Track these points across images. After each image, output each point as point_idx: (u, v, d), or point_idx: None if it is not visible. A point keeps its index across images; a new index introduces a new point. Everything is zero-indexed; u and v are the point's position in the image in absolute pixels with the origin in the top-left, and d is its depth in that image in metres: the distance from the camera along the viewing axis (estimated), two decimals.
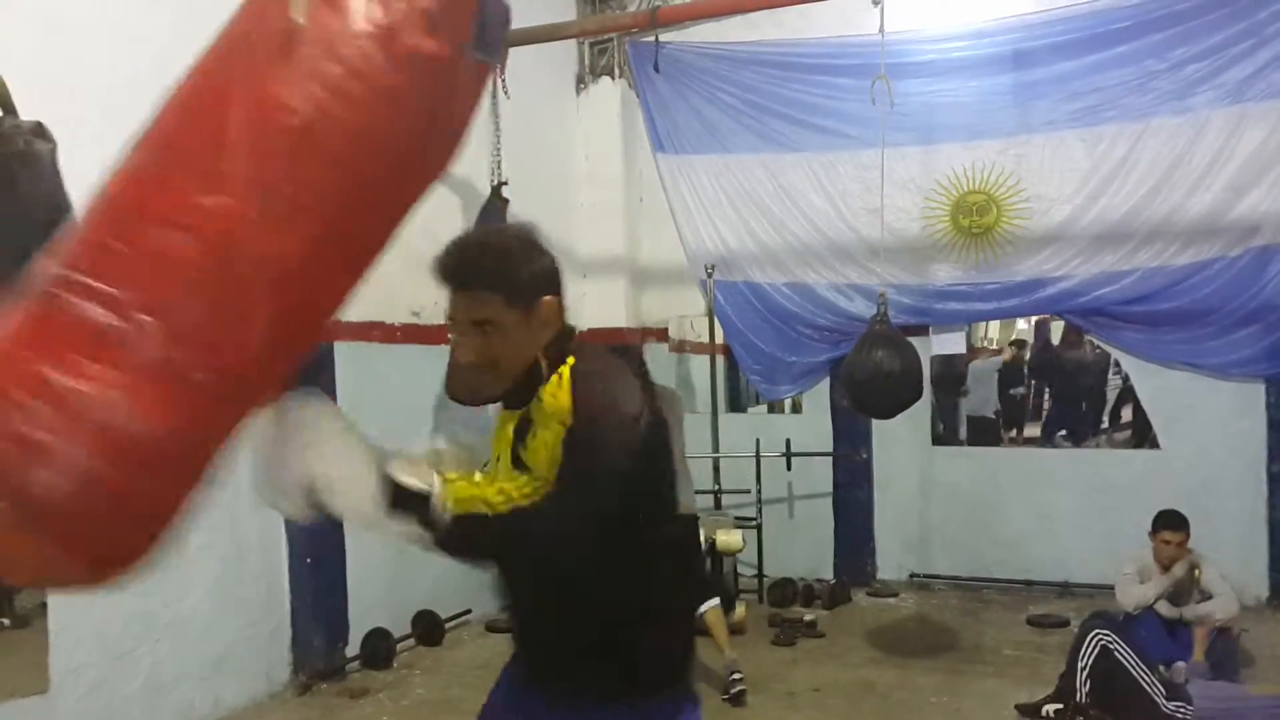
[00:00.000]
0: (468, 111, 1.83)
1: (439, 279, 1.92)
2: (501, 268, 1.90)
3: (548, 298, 1.95)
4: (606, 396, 1.86)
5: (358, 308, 6.21)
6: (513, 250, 1.94)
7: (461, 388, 5.60)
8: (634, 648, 1.93)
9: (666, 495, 2.07)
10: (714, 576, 5.98)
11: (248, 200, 1.53)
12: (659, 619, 1.97)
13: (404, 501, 1.74)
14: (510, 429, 1.97)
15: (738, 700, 5.10)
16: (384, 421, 6.07)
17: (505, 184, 5.54)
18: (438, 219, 6.11)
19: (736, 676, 5.15)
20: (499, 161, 5.48)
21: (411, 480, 1.75)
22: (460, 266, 1.91)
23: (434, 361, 5.74)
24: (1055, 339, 8.12)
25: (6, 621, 4.48)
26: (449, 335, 2.00)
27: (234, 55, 1.67)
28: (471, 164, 5.73)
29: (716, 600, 5.37)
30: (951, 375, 7.83)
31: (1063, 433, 7.79)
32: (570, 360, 1.94)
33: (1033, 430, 7.99)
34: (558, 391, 1.88)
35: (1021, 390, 8.14)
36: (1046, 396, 8.14)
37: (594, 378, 1.89)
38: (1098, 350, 7.46)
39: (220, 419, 1.64)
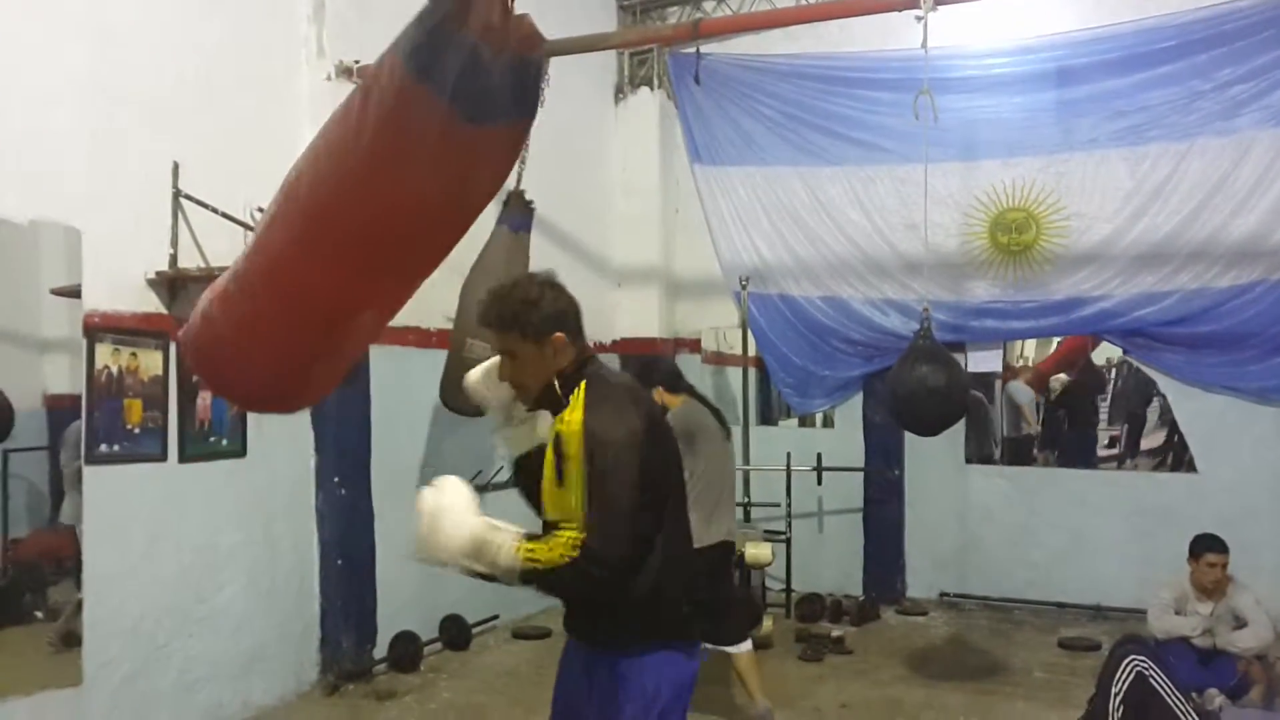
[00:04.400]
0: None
1: (479, 323, 2.62)
2: (521, 313, 2.51)
3: (558, 334, 2.52)
4: (608, 432, 2.40)
5: None
6: (531, 298, 2.53)
7: (453, 397, 5.60)
8: (637, 613, 2.51)
9: (670, 509, 2.54)
10: (742, 591, 5.84)
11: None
12: (657, 595, 2.50)
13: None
14: (544, 433, 2.60)
15: None
16: (417, 421, 6.15)
17: (524, 191, 5.57)
18: (475, 227, 6.14)
19: None
20: (523, 169, 5.51)
21: (493, 560, 2.40)
22: (490, 312, 2.55)
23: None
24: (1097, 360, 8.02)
25: (40, 614, 4.53)
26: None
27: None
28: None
29: (749, 645, 5.01)
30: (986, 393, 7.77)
31: (1099, 455, 7.69)
32: (583, 385, 2.51)
33: (1068, 452, 7.88)
34: (571, 416, 2.45)
35: (1061, 412, 8.03)
36: (1081, 418, 8.01)
37: (599, 410, 2.43)
38: (1137, 373, 7.37)
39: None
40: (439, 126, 2.58)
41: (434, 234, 2.96)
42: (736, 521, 5.42)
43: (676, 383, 4.97)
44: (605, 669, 2.58)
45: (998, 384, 7.83)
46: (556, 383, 2.54)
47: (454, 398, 5.60)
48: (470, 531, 2.39)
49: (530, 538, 2.40)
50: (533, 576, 2.35)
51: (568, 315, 2.57)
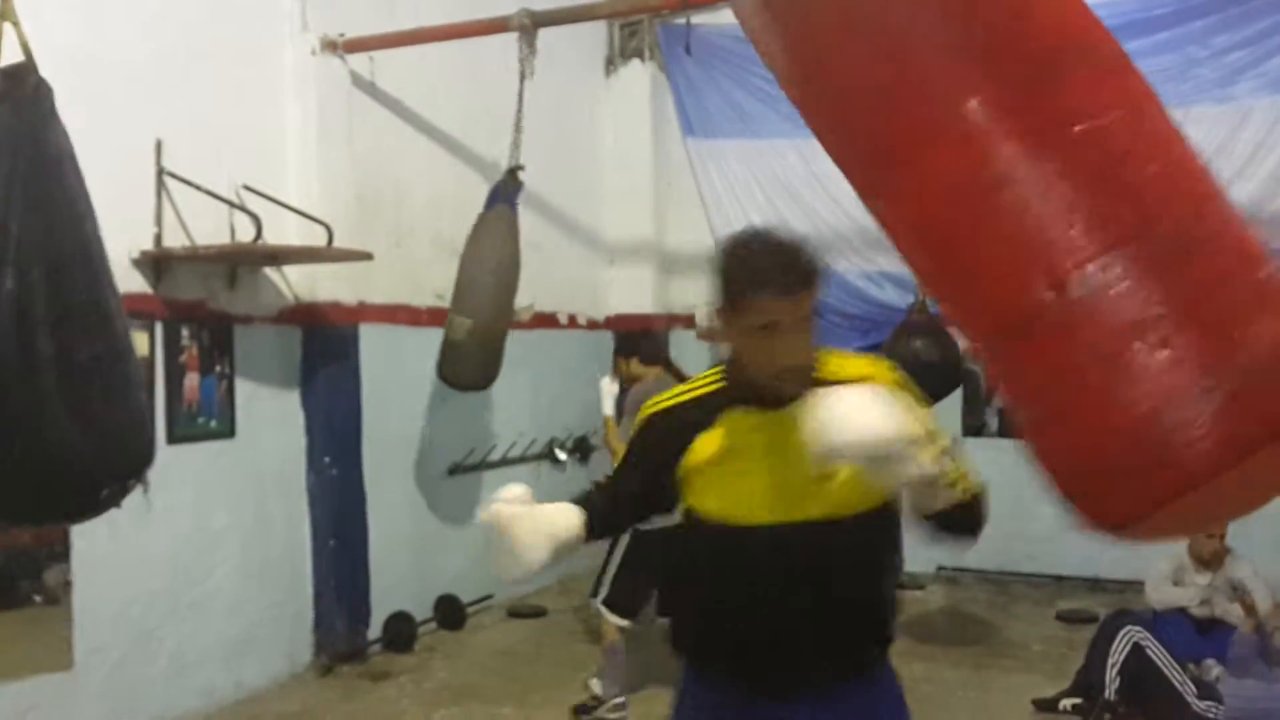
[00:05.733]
0: None
1: (774, 288, 1.86)
2: (816, 265, 1.92)
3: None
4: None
5: (384, 290, 6.20)
6: (798, 244, 1.93)
7: (454, 371, 5.56)
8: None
9: None
10: None
11: None
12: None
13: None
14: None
15: None
16: (408, 399, 6.10)
17: (522, 168, 5.50)
18: (465, 204, 6.10)
19: None
20: (519, 142, 5.44)
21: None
22: (796, 270, 1.89)
23: None
24: None
25: (39, 598, 4.49)
26: (754, 338, 1.91)
27: None
28: (499, 146, 5.67)
29: None
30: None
31: None
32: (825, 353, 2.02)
33: None
34: (871, 368, 2.01)
35: None
36: None
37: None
38: None
39: None
40: None
41: None
42: None
43: (655, 356, 4.90)
44: (857, 702, 2.02)
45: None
46: None
47: (452, 372, 5.58)
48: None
49: None
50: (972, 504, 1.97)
51: None
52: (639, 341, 4.93)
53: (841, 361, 2.02)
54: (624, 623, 4.76)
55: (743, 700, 2.00)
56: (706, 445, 1.99)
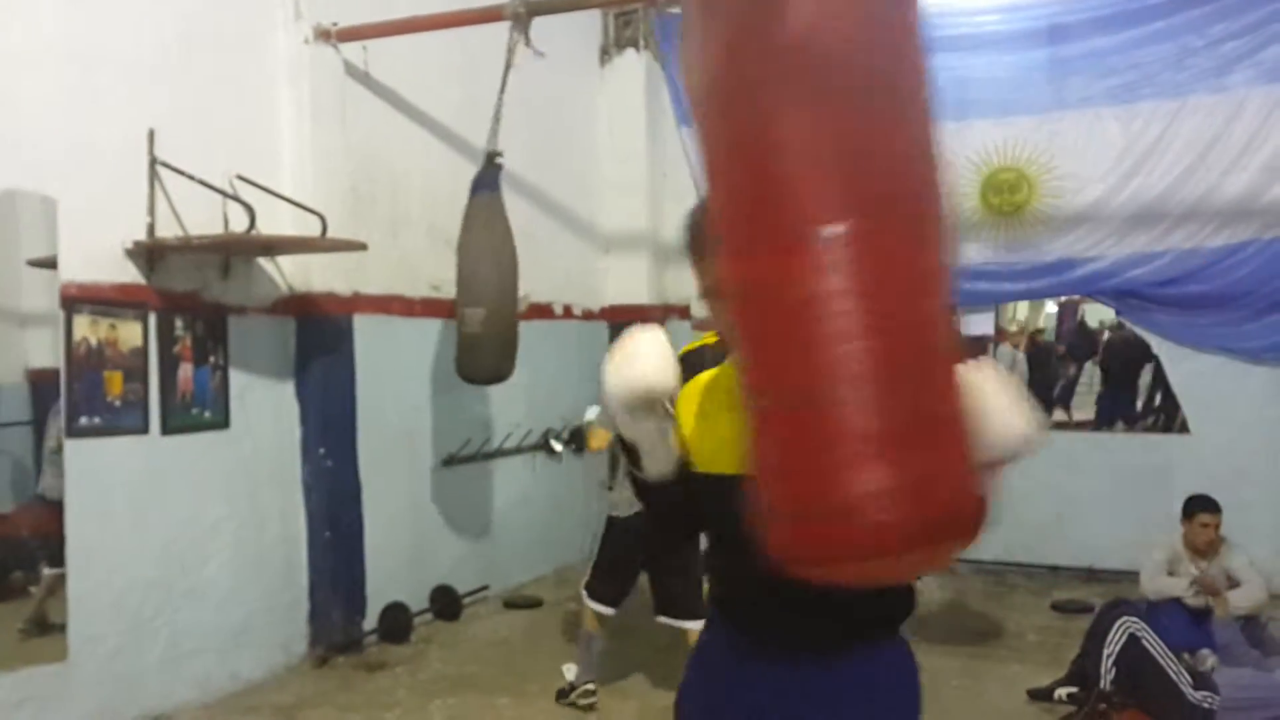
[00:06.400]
0: None
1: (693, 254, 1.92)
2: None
3: None
4: None
5: (378, 281, 6.17)
6: None
7: (472, 364, 5.55)
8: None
9: None
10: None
11: None
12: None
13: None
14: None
15: None
16: (402, 390, 6.09)
17: (500, 154, 5.48)
18: (460, 194, 6.05)
19: None
20: (496, 128, 5.42)
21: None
22: (689, 235, 1.94)
23: (451, 334, 5.71)
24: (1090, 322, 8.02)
25: (34, 590, 4.49)
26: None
27: None
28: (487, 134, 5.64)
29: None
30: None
31: (1091, 417, 7.68)
32: None
33: (1060, 415, 7.88)
34: None
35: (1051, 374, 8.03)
36: (1075, 381, 8.02)
37: None
38: (1132, 334, 7.34)
39: None
40: None
41: None
42: None
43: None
44: (856, 669, 1.99)
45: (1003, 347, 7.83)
46: None
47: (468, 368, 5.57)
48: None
49: None
50: None
51: None
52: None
53: None
54: (606, 610, 4.77)
55: (747, 652, 1.98)
56: (691, 397, 2.00)
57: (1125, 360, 8.55)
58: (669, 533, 2.28)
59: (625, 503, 4.60)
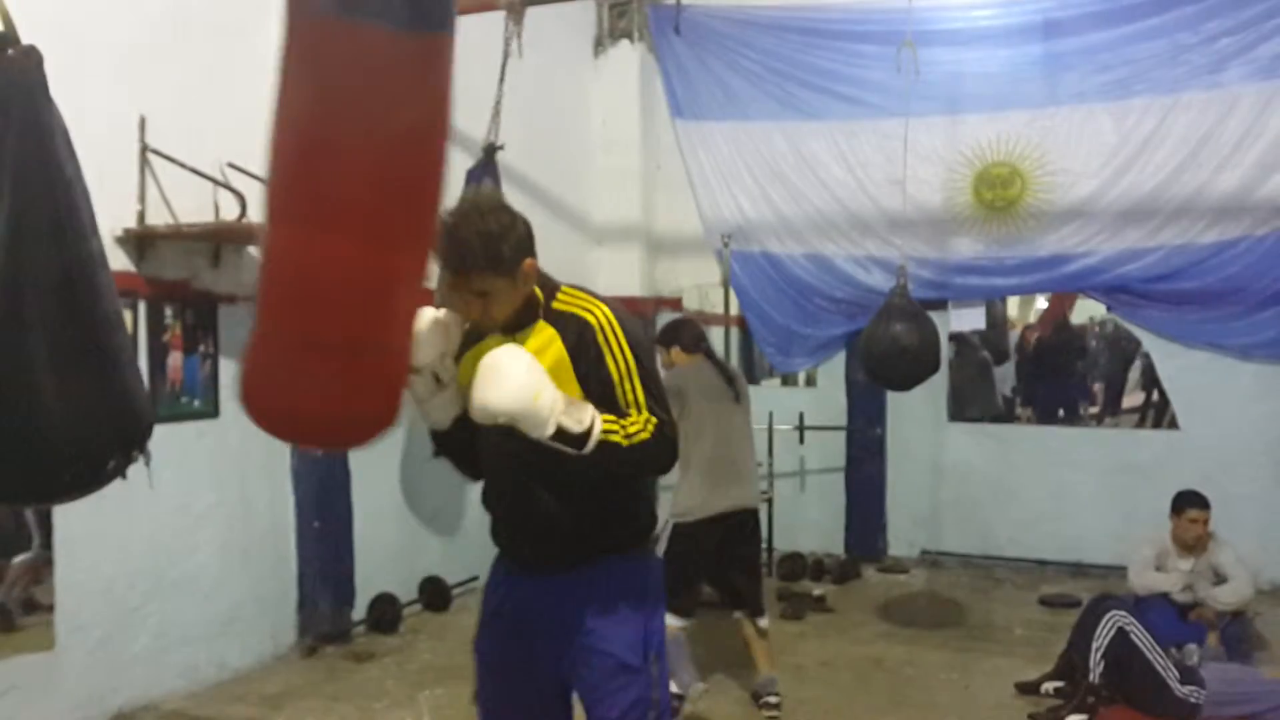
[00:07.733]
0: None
1: (444, 263, 2.32)
2: (493, 251, 2.29)
3: (528, 261, 2.36)
4: (633, 322, 2.43)
5: None
6: (494, 233, 2.31)
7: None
8: (635, 513, 2.56)
9: None
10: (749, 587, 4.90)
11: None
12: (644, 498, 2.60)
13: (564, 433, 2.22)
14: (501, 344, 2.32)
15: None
16: None
17: (501, 147, 5.45)
18: (453, 185, 6.01)
19: (772, 700, 4.68)
20: (497, 121, 5.40)
21: (575, 423, 2.21)
22: (458, 254, 2.29)
23: None
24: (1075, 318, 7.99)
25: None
26: (437, 300, 2.35)
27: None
28: (483, 125, 5.62)
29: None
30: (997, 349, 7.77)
31: (1079, 412, 7.68)
32: (571, 289, 2.47)
33: (1049, 409, 7.85)
34: (594, 308, 2.40)
35: (1042, 369, 8.01)
36: (1064, 376, 7.99)
37: (614, 304, 2.44)
38: (1119, 330, 7.36)
39: None
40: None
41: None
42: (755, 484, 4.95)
43: (696, 345, 4.84)
44: (592, 581, 2.44)
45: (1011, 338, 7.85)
46: (539, 296, 2.43)
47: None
48: (550, 386, 2.20)
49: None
50: (614, 447, 2.24)
51: (531, 234, 2.43)
52: (679, 332, 4.87)
53: (572, 296, 2.44)
54: (682, 623, 4.54)
55: (508, 574, 2.56)
56: (469, 361, 2.33)
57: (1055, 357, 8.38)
58: (462, 469, 2.62)
59: (698, 506, 4.50)
